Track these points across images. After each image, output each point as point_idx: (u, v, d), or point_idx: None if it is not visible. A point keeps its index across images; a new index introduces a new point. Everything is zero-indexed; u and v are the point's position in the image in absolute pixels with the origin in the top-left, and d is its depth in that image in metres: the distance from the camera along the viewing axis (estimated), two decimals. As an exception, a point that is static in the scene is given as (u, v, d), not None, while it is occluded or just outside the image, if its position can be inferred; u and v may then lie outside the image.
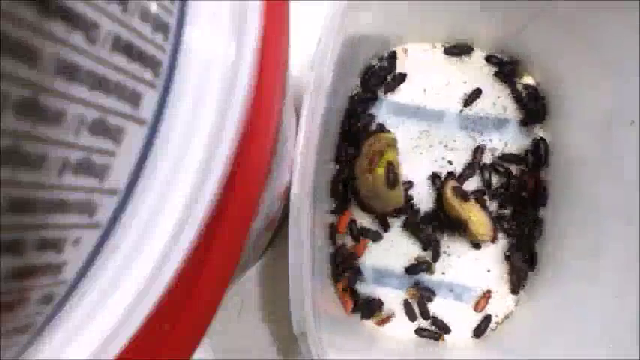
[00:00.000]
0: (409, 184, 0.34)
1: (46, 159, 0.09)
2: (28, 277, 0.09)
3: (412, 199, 0.34)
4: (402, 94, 0.34)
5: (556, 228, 0.33)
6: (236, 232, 0.12)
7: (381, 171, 0.30)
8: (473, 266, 0.34)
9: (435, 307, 0.33)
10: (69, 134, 0.09)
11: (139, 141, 0.11)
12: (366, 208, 0.33)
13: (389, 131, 0.33)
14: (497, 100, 0.35)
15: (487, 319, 0.33)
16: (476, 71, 0.35)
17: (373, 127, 0.34)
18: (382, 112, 0.34)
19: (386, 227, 0.33)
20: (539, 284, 0.33)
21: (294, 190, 0.22)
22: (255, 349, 0.33)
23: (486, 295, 0.33)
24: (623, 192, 0.27)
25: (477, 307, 0.33)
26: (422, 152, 0.34)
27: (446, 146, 0.34)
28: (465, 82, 0.35)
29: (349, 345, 0.29)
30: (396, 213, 0.33)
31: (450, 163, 0.34)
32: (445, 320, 0.33)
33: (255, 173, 0.13)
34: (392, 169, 0.30)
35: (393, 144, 0.31)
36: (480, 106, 0.35)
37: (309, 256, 0.22)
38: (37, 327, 0.10)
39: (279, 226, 0.31)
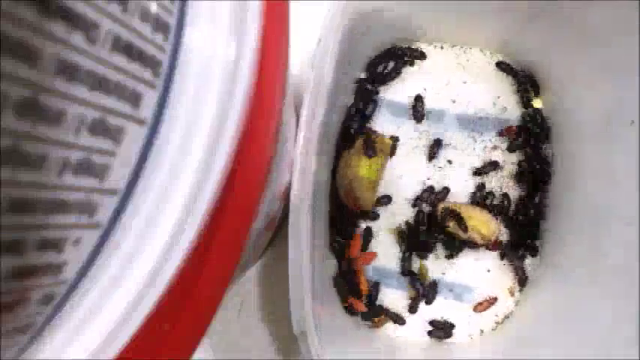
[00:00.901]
0: (388, 199, 0.33)
1: (46, 159, 0.09)
2: (28, 277, 0.09)
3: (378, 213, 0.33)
4: (402, 94, 0.34)
5: (556, 228, 0.33)
6: (236, 232, 0.12)
7: (362, 167, 0.30)
8: (473, 266, 0.34)
9: (435, 306, 0.33)
10: (69, 134, 0.09)
11: (139, 141, 0.11)
12: (340, 205, 0.32)
13: (385, 137, 0.33)
14: (497, 100, 0.35)
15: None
16: (476, 71, 0.35)
17: (373, 127, 0.34)
18: (382, 112, 0.34)
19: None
20: (539, 284, 0.33)
21: (294, 190, 0.22)
22: (255, 349, 0.33)
23: (491, 300, 0.33)
24: (623, 192, 0.27)
25: (478, 308, 0.33)
26: (422, 152, 0.34)
27: (448, 145, 0.34)
28: (464, 82, 0.35)
29: (349, 345, 0.29)
30: (362, 216, 0.33)
31: (450, 162, 0.34)
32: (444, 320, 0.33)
33: (256, 173, 0.13)
34: (371, 139, 0.30)
35: (386, 150, 0.31)
36: (480, 106, 0.35)
37: (309, 256, 0.22)
38: (37, 327, 0.10)
39: (279, 226, 0.31)
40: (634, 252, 0.26)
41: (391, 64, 0.34)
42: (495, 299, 0.33)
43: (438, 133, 0.34)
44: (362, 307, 0.32)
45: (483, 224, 0.32)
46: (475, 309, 0.33)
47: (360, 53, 0.33)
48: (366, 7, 0.27)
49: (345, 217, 0.32)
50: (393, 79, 0.34)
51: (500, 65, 0.35)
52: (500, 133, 0.34)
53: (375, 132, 0.33)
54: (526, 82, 0.34)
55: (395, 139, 0.34)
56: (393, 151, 0.33)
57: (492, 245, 0.33)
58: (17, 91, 0.08)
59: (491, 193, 0.34)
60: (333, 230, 0.32)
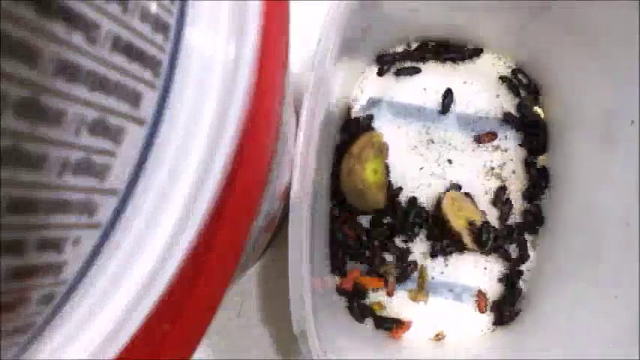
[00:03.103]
0: (399, 189, 0.34)
1: (46, 159, 0.09)
2: (28, 277, 0.09)
3: (397, 202, 0.33)
4: (402, 94, 0.34)
5: (556, 228, 0.33)
6: (236, 232, 0.12)
7: (368, 174, 0.30)
8: (472, 266, 0.34)
9: (435, 306, 0.33)
10: (69, 134, 0.09)
11: (138, 141, 0.11)
12: (349, 206, 0.32)
13: (378, 133, 0.33)
14: (497, 100, 0.35)
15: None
16: (477, 71, 0.35)
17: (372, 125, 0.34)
18: (382, 112, 0.34)
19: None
20: (539, 284, 0.33)
21: (294, 190, 0.22)
22: (255, 349, 0.33)
23: (481, 295, 0.33)
24: (623, 192, 0.27)
25: (481, 306, 0.33)
26: (422, 152, 0.34)
27: (448, 145, 0.34)
28: (464, 82, 0.35)
29: (349, 345, 0.29)
30: (376, 213, 0.33)
31: (450, 162, 0.34)
32: (445, 320, 0.33)
33: (256, 173, 0.13)
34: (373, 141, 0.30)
35: (383, 149, 0.31)
36: (480, 106, 0.35)
37: (309, 256, 0.22)
38: (37, 327, 0.10)
39: (279, 226, 0.31)
40: (634, 252, 0.26)
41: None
42: (483, 292, 0.33)
43: (438, 133, 0.34)
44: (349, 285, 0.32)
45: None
46: (479, 310, 0.33)
47: (361, 53, 0.33)
48: (367, 6, 0.27)
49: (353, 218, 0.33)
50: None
51: (515, 72, 0.35)
52: (478, 139, 0.34)
53: (372, 130, 0.33)
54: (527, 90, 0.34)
55: None
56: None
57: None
58: (17, 91, 0.08)
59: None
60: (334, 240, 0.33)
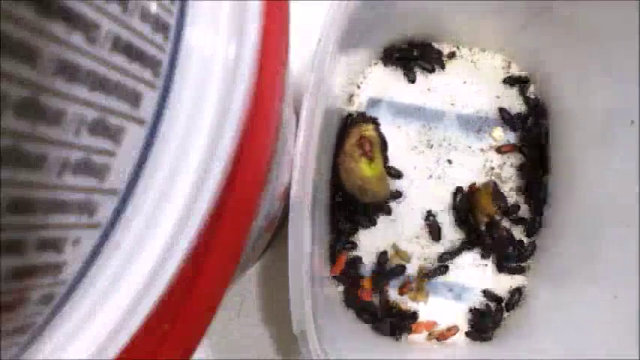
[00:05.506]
0: (398, 176, 0.34)
1: (46, 159, 0.09)
2: (28, 277, 0.09)
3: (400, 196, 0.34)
4: (403, 94, 0.34)
5: (556, 228, 0.33)
6: (236, 232, 0.12)
7: (365, 169, 0.30)
8: (472, 266, 0.34)
9: (434, 306, 0.33)
10: (69, 134, 0.09)
11: (138, 141, 0.11)
12: (352, 200, 0.32)
13: (367, 126, 0.32)
14: (497, 100, 0.35)
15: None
16: (476, 71, 0.35)
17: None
18: (382, 112, 0.34)
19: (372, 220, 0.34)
20: (539, 284, 0.33)
21: (294, 190, 0.22)
22: (255, 349, 0.33)
23: (453, 329, 0.33)
24: (623, 192, 0.27)
25: (445, 335, 0.33)
26: (422, 151, 0.34)
27: (448, 145, 0.34)
28: (464, 82, 0.35)
29: (349, 345, 0.29)
30: (381, 207, 0.33)
31: (450, 162, 0.34)
32: (445, 320, 0.33)
33: (256, 173, 0.13)
34: (362, 140, 0.30)
35: (374, 140, 0.31)
36: (479, 106, 0.35)
37: (309, 256, 0.22)
38: (37, 327, 0.10)
39: (279, 227, 0.31)
40: (634, 252, 0.26)
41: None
42: (456, 328, 0.33)
43: (438, 134, 0.34)
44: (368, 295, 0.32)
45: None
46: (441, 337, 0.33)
47: (361, 53, 0.33)
48: (367, 6, 0.27)
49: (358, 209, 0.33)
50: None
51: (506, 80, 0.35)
52: (499, 150, 0.34)
53: (360, 120, 0.33)
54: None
55: (373, 120, 0.33)
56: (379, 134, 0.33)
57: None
58: (17, 91, 0.08)
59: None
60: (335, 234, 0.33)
